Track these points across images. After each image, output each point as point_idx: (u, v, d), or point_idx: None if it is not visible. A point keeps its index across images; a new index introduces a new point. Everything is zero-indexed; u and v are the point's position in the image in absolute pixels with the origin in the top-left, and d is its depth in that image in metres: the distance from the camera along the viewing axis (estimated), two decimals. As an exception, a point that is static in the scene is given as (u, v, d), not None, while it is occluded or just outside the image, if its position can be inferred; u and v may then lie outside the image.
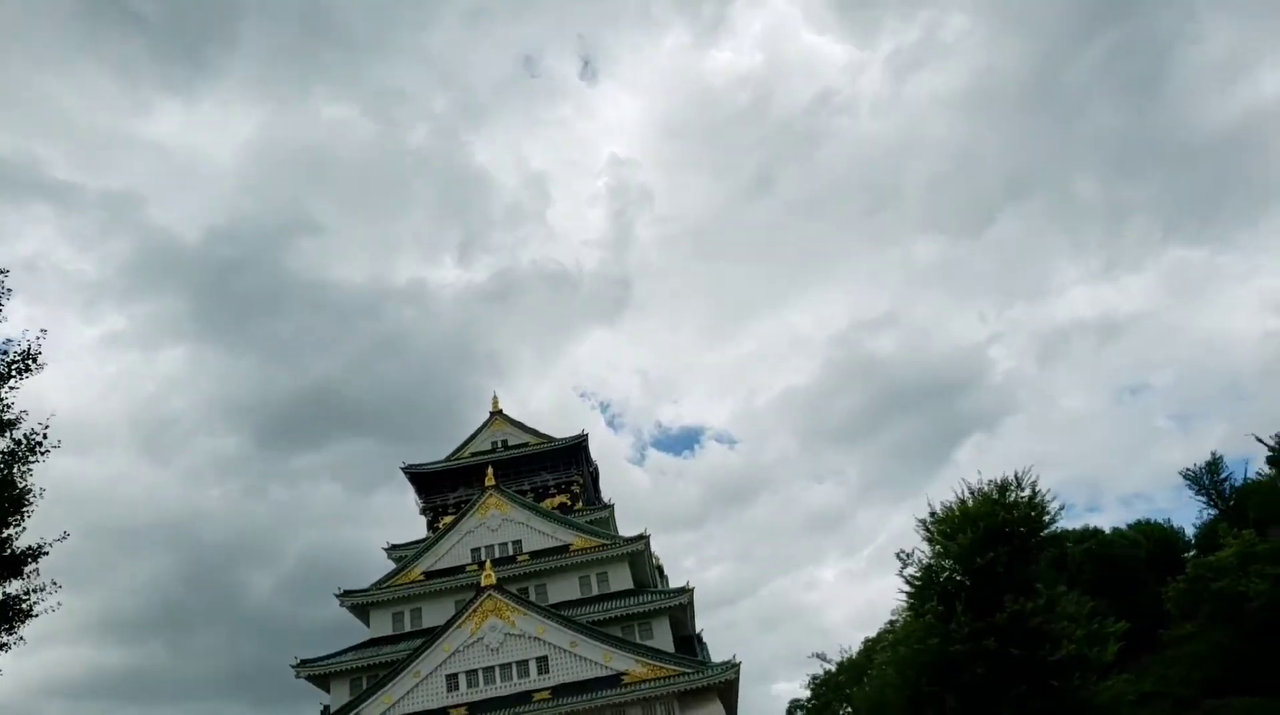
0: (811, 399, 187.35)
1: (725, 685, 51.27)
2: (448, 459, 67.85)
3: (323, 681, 54.15)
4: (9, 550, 12.98)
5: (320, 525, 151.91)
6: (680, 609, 56.03)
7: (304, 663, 53.50)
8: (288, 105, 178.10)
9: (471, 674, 51.29)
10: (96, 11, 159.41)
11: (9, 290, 12.36)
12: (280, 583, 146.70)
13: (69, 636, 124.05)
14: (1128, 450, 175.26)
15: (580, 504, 67.00)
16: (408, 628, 56.18)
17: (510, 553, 59.08)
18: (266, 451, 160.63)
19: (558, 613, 53.60)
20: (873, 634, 63.83)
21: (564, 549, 58.81)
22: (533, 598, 55.59)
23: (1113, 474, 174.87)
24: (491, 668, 51.39)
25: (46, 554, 13.21)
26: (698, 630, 59.62)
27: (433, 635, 52.51)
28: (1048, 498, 30.87)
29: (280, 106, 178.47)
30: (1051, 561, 32.38)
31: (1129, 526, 51.81)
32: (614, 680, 50.16)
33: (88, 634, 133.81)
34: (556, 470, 68.25)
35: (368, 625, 57.42)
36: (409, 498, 68.43)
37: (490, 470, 63.00)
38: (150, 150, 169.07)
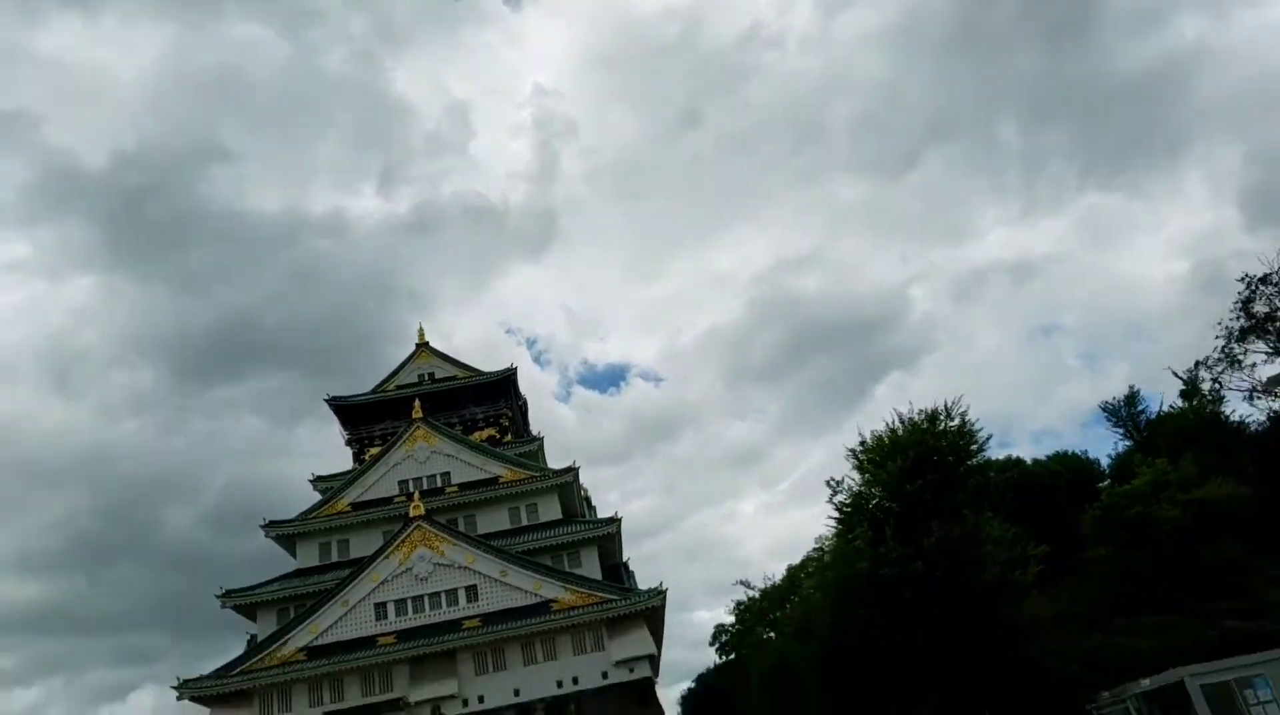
0: (735, 337, 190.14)
1: (651, 611, 52.46)
2: (373, 391, 66.85)
3: (249, 611, 53.54)
4: None
5: (242, 458, 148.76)
6: (608, 538, 56.85)
7: (229, 593, 52.72)
8: (196, 22, 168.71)
9: (400, 603, 51.34)
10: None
11: None
12: (202, 517, 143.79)
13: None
14: (1039, 387, 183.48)
15: (509, 437, 66.94)
16: (335, 558, 55.76)
17: (439, 485, 58.85)
18: (184, 385, 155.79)
19: (487, 542, 53.82)
20: (795, 562, 66.05)
21: (493, 481, 58.84)
22: (462, 529, 55.67)
23: (1025, 410, 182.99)
24: (420, 596, 51.50)
25: None
26: (624, 559, 60.65)
27: (360, 565, 52.29)
28: (975, 427, 32.02)
29: (188, 23, 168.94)
30: (976, 490, 33.61)
31: (1048, 458, 54.27)
32: (543, 607, 50.87)
33: (3, 570, 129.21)
34: (485, 404, 67.91)
35: (294, 556, 56.79)
36: (333, 430, 67.35)
37: (418, 402, 62.31)
38: (46, 66, 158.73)
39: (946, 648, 28.10)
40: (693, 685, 75.01)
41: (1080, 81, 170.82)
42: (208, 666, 50.17)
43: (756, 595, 65.06)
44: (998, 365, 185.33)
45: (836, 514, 34.48)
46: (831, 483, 34.37)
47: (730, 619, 70.64)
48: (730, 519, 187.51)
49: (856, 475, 33.71)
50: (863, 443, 34.00)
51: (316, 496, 60.22)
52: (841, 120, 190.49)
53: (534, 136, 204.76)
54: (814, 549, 62.74)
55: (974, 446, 32.17)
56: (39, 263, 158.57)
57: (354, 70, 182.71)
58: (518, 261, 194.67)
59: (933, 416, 32.68)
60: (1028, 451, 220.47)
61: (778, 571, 73.73)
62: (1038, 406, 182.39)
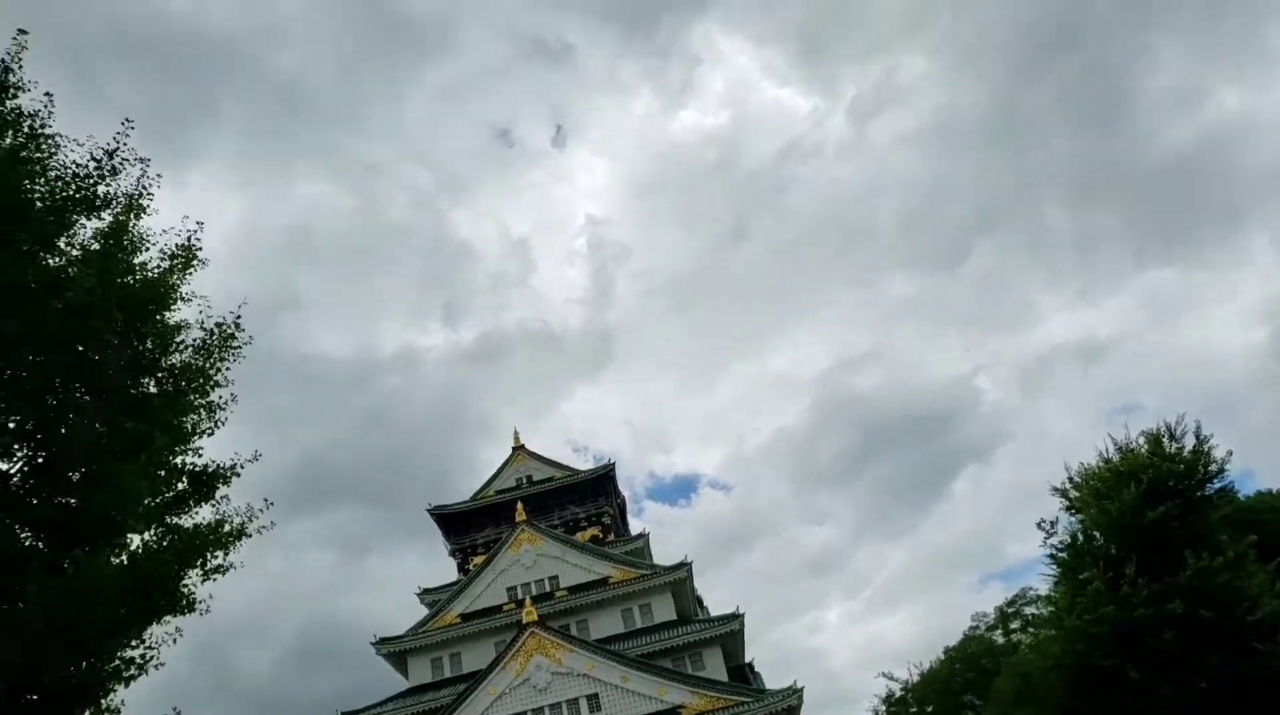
0: (800, 440, 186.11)
1: (787, 711, 48.69)
2: (473, 498, 65.59)
3: (364, 737, 51.32)
4: (198, 467, 10.58)
5: (315, 596, 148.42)
6: (731, 636, 53.54)
7: (345, 716, 50.70)
8: (269, 184, 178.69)
9: (520, 717, 48.55)
10: (76, 103, 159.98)
11: (156, 176, 10.04)
12: (279, 657, 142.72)
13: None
14: None
15: (612, 536, 64.69)
16: (448, 673, 53.45)
17: (547, 589, 56.54)
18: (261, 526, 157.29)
19: (605, 647, 51.02)
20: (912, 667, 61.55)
21: (603, 582, 56.33)
22: (574, 633, 52.96)
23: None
24: (541, 709, 48.68)
25: (239, 475, 10.77)
26: (749, 660, 57.01)
27: (476, 678, 49.84)
28: (1211, 444, 28.64)
29: (262, 185, 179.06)
30: (1226, 517, 29.77)
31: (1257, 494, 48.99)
32: (670, 714, 47.52)
33: None
34: (585, 503, 66.01)
35: (405, 675, 54.65)
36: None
37: (520, 505, 60.68)
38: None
39: (1222, 700, 24.34)
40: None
41: (1124, 161, 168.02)
42: None
43: (899, 688, 60.53)
44: (1078, 451, 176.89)
45: (1052, 561, 31.00)
46: (1044, 526, 30.99)
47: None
48: (815, 630, 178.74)
49: (1068, 517, 30.38)
50: (1070, 479, 30.75)
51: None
52: (887, 219, 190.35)
53: (589, 262, 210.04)
54: (970, 627, 58.22)
55: (1213, 467, 28.74)
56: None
57: (416, 216, 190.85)
58: (579, 382, 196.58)
59: (1156, 439, 29.48)
60: None
61: (893, 670, 68.20)
62: None
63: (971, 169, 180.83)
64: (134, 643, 9.99)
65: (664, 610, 55.35)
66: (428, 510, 63.86)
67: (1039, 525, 31.40)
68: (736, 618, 53.15)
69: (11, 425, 7.78)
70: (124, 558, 9.42)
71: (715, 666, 52.00)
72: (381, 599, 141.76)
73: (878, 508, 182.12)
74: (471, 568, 60.51)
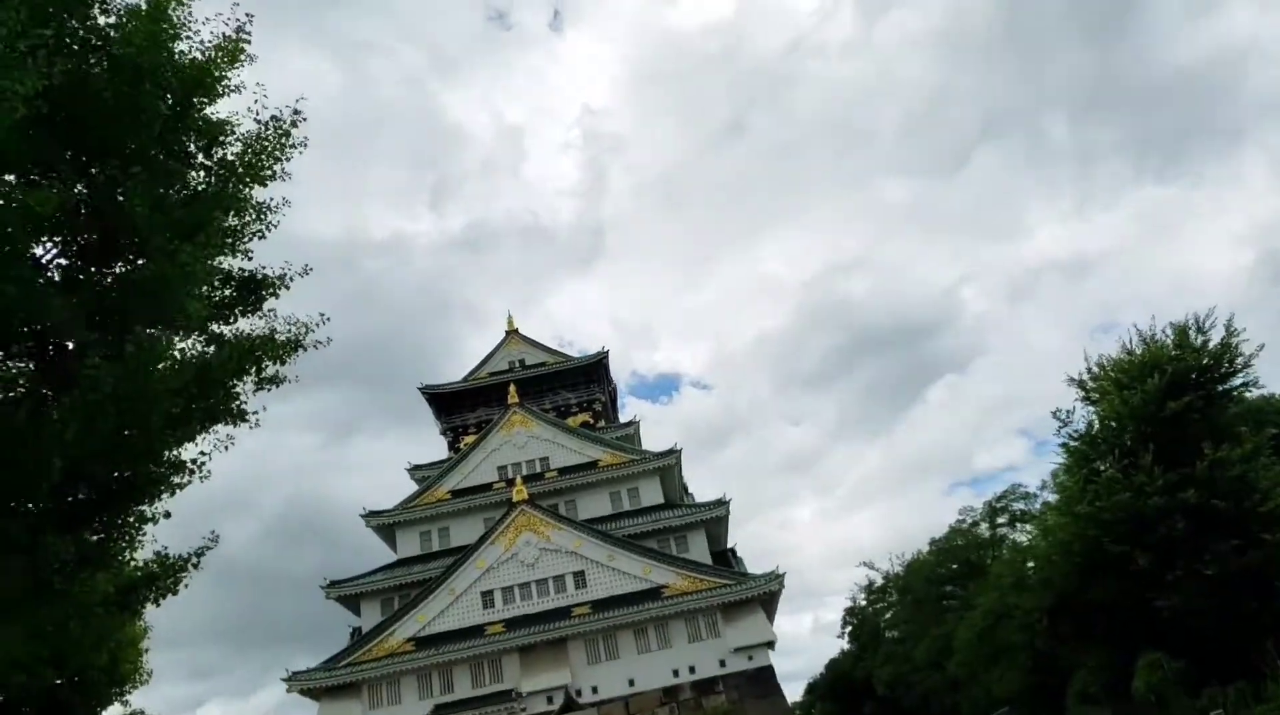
0: (784, 343, 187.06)
1: (768, 597, 50.01)
2: (466, 378, 65.52)
3: (352, 603, 52.39)
4: (247, 273, 10.03)
5: (299, 474, 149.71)
6: (716, 522, 54.54)
7: (333, 584, 51.64)
8: (264, 52, 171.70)
9: (507, 590, 49.66)
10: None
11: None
12: (263, 532, 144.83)
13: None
14: None
15: (603, 423, 65.06)
16: (436, 547, 54.32)
17: (538, 470, 57.10)
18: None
19: (593, 527, 51.90)
20: (908, 552, 63.18)
21: (593, 465, 56.89)
22: (563, 514, 53.75)
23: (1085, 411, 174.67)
24: (527, 583, 49.77)
25: (288, 287, 10.25)
26: (731, 545, 58.22)
27: (466, 552, 50.75)
28: (1240, 338, 28.64)
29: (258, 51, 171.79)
30: (1248, 411, 29.97)
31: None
32: (654, 593, 48.69)
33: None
34: (577, 389, 66.12)
35: (394, 548, 55.48)
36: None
37: (513, 388, 60.70)
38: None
39: (1225, 588, 25.03)
40: (821, 674, 72.37)
41: (1130, 75, 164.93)
42: (271, 677, 48.87)
43: (882, 577, 62.49)
44: (1055, 366, 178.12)
45: (1064, 450, 31.38)
46: (1059, 415, 31.24)
47: (852, 602, 68.33)
48: (785, 526, 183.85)
49: (1085, 407, 30.59)
50: (1089, 370, 30.82)
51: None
52: (888, 123, 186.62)
53: (583, 154, 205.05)
54: (956, 521, 59.57)
55: (1239, 361, 28.78)
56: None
57: (407, 97, 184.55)
58: (568, 276, 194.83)
59: (1182, 331, 29.46)
60: None
61: (867, 564, 70.00)
62: None
63: (976, 76, 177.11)
64: (188, 445, 9.72)
65: (651, 495, 56.13)
66: (419, 389, 63.81)
67: (1054, 414, 31.59)
68: (723, 504, 54.03)
69: (57, 190, 7.23)
70: (178, 354, 9.03)
71: (699, 550, 53.06)
72: (367, 479, 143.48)
73: (855, 411, 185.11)
74: (462, 447, 60.90)
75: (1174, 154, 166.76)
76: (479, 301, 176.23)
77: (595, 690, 46.85)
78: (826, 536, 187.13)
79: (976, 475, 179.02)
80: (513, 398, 59.75)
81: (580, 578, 49.88)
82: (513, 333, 68.35)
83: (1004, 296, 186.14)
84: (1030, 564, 38.75)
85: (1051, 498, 52.56)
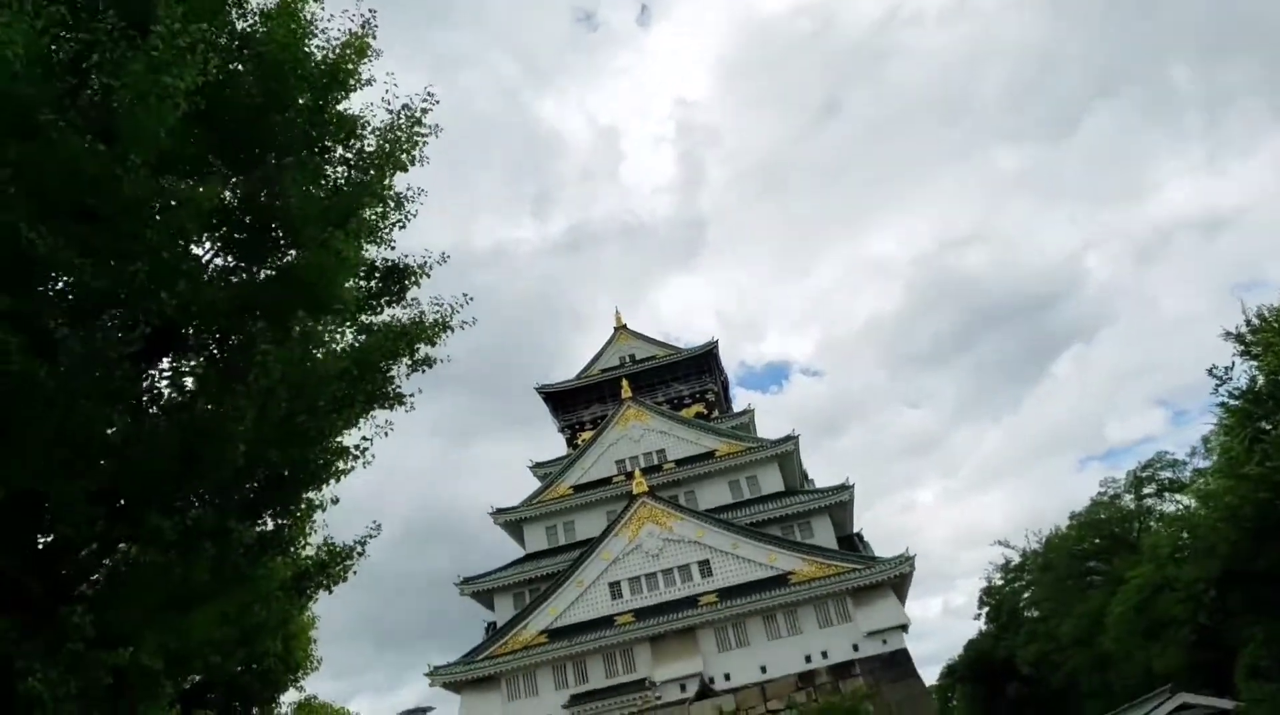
0: (897, 324, 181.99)
1: (899, 580, 49.03)
2: (579, 376, 66.56)
3: (485, 598, 53.96)
4: (390, 262, 10.58)
5: (424, 479, 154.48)
6: (840, 507, 53.77)
7: (467, 580, 53.31)
8: (383, 50, 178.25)
9: (634, 581, 50.22)
10: None
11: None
12: (391, 537, 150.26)
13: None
14: None
15: (716, 413, 65.08)
16: (562, 541, 55.38)
17: (655, 462, 57.48)
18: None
19: (715, 516, 51.95)
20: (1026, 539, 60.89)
21: (710, 455, 56.90)
22: (683, 504, 53.93)
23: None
24: (654, 573, 50.22)
25: (429, 276, 10.78)
26: (858, 530, 57.30)
27: (591, 545, 51.58)
28: None
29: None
30: None
31: None
32: (781, 580, 48.37)
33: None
34: (689, 380, 66.28)
35: (522, 543, 56.87)
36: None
37: (625, 383, 61.33)
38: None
39: None
40: (959, 655, 70.70)
41: (1254, 9, 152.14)
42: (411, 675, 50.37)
43: (1019, 555, 60.54)
44: (1191, 330, 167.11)
45: (1223, 409, 29.57)
46: (1216, 372, 29.43)
47: (988, 581, 66.52)
48: (908, 509, 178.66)
49: (1247, 362, 28.66)
50: (1250, 322, 28.88)
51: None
52: (993, 89, 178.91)
53: (677, 148, 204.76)
54: (1098, 494, 57.07)
55: None
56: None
57: (504, 108, 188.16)
58: (671, 272, 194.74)
59: None
60: None
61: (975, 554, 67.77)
62: None
63: (1085, 30, 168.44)
64: (351, 430, 10.20)
65: (771, 482, 55.77)
66: (536, 389, 65.17)
67: (1210, 372, 29.64)
68: (846, 488, 53.22)
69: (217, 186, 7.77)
70: (338, 337, 9.50)
71: (824, 535, 52.46)
72: (489, 482, 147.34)
73: (976, 390, 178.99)
74: (579, 444, 61.89)
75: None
76: (585, 304, 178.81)
77: (728, 677, 46.91)
78: (952, 519, 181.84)
79: (1110, 448, 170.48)
80: (626, 392, 60.35)
81: (705, 567, 50.00)
82: (621, 328, 69.02)
83: (1131, 260, 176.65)
84: (1186, 534, 36.64)
85: (1203, 464, 49.81)
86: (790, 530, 52.55)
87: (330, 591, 11.49)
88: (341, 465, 10.22)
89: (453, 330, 10.59)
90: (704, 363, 66.83)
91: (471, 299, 10.84)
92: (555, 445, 66.36)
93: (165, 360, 8.61)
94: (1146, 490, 54.08)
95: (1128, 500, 55.21)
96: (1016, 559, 61.85)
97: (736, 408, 69.22)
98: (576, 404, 65.37)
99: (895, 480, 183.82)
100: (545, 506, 56.30)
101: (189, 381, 8.42)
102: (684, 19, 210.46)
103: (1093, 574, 53.38)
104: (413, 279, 10.55)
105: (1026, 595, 60.33)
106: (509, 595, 53.18)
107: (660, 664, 47.43)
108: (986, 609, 67.54)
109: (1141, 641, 41.57)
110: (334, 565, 11.25)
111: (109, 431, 7.87)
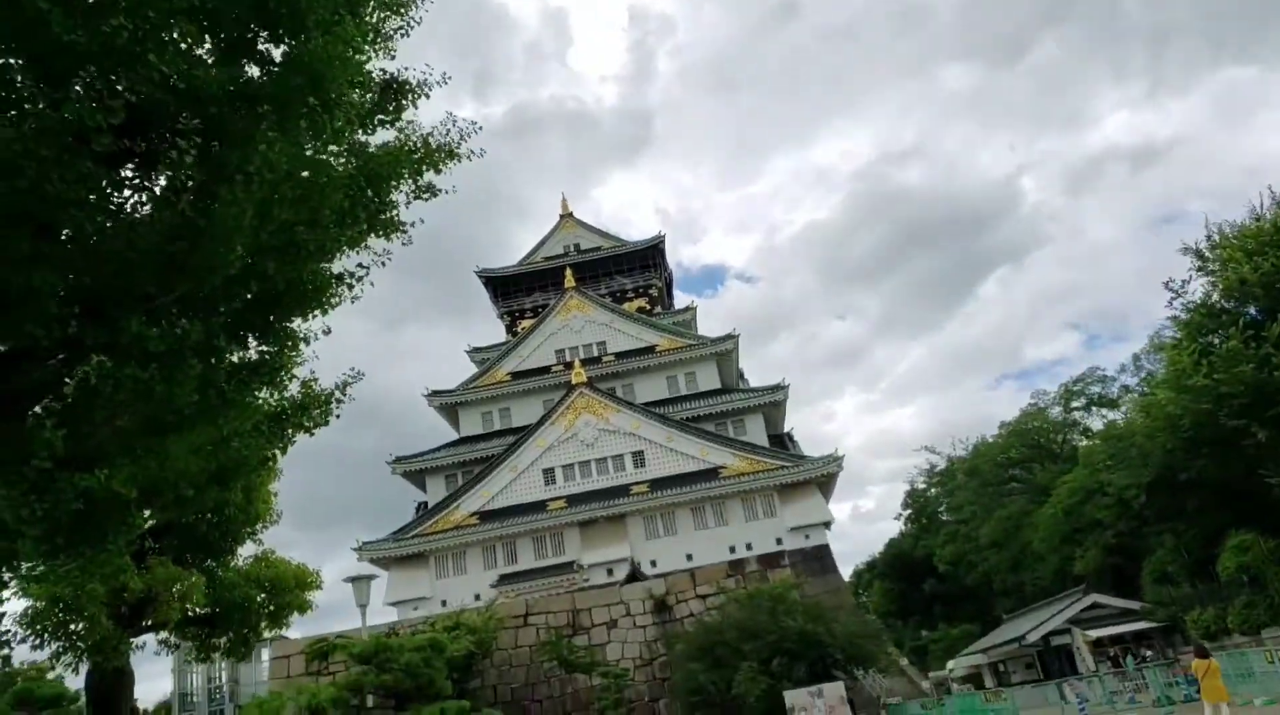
0: (834, 235, 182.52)
1: (825, 478, 50.25)
2: (522, 262, 65.30)
3: (418, 479, 53.87)
4: (387, 75, 9.50)
5: (355, 360, 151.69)
6: (774, 407, 54.49)
7: (399, 459, 53.02)
8: None
9: (568, 468, 50.58)
10: None
11: None
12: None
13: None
14: (1157, 281, 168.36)
15: (658, 309, 64.71)
16: (497, 426, 55.25)
17: (595, 353, 57.28)
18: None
19: (652, 410, 52.24)
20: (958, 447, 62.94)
21: (650, 349, 56.90)
22: (620, 396, 54.08)
23: (1143, 305, 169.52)
24: (587, 461, 50.62)
25: (428, 96, 9.72)
26: (787, 429, 58.28)
27: (527, 431, 51.62)
28: None
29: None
30: None
31: None
32: (712, 473, 49.24)
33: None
34: (632, 274, 65.53)
35: (456, 427, 56.60)
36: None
37: (569, 272, 60.46)
38: None
39: None
40: (880, 552, 73.66)
41: None
42: (339, 551, 50.33)
43: (945, 461, 62.58)
44: (1113, 258, 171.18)
45: (1175, 324, 30.22)
46: (1171, 285, 29.90)
47: (910, 485, 68.98)
48: (828, 418, 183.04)
49: (1203, 278, 29.15)
50: (1211, 238, 29.26)
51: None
52: (948, 4, 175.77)
53: (629, 36, 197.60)
54: (1029, 405, 59.07)
55: None
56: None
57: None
58: (614, 166, 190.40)
59: None
60: (1143, 345, 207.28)
61: (898, 461, 70.23)
62: (1155, 300, 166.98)
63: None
64: (342, 254, 9.30)
65: (709, 380, 56.15)
66: (476, 272, 63.84)
67: (1166, 285, 30.16)
68: (781, 388, 53.85)
69: None
70: (341, 141, 8.49)
71: (756, 434, 53.29)
72: (423, 367, 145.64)
73: (904, 305, 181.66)
74: (519, 331, 61.23)
75: (1257, 32, 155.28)
76: (526, 193, 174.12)
77: (654, 564, 47.95)
78: (868, 428, 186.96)
79: (1025, 368, 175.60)
80: (569, 282, 59.58)
81: (639, 458, 50.54)
82: (567, 217, 67.63)
83: (1064, 187, 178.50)
84: (1120, 442, 38.03)
85: (1132, 381, 51.41)
86: (724, 427, 53.22)
87: (312, 434, 10.69)
88: (334, 293, 9.42)
89: (460, 159, 9.61)
90: (649, 257, 66.02)
91: (480, 128, 9.77)
92: (490, 333, 65.80)
93: (146, 144, 7.53)
94: (1075, 404, 56.02)
95: (1055, 412, 57.22)
96: (942, 465, 64.04)
97: (678, 306, 69.04)
98: (518, 291, 64.32)
99: (818, 389, 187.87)
100: (482, 391, 55.90)
101: (177, 174, 7.34)
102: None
103: (1015, 481, 55.59)
104: (410, 98, 9.41)
105: (949, 499, 62.69)
106: (441, 476, 53.16)
107: (589, 549, 48.26)
108: (909, 511, 70.25)
109: (1063, 543, 43.64)
110: (314, 407, 10.40)
111: (84, 220, 6.90)
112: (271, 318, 9.12)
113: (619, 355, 56.85)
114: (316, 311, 9.39)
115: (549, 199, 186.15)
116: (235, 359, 9.09)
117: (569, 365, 55.08)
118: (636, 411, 51.74)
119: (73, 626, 17.33)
